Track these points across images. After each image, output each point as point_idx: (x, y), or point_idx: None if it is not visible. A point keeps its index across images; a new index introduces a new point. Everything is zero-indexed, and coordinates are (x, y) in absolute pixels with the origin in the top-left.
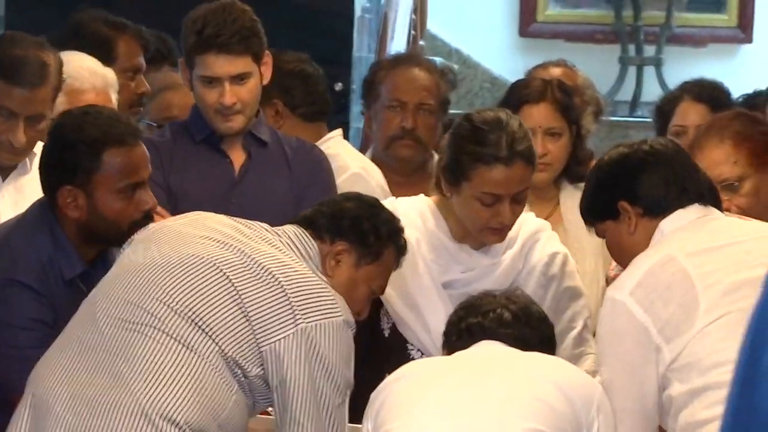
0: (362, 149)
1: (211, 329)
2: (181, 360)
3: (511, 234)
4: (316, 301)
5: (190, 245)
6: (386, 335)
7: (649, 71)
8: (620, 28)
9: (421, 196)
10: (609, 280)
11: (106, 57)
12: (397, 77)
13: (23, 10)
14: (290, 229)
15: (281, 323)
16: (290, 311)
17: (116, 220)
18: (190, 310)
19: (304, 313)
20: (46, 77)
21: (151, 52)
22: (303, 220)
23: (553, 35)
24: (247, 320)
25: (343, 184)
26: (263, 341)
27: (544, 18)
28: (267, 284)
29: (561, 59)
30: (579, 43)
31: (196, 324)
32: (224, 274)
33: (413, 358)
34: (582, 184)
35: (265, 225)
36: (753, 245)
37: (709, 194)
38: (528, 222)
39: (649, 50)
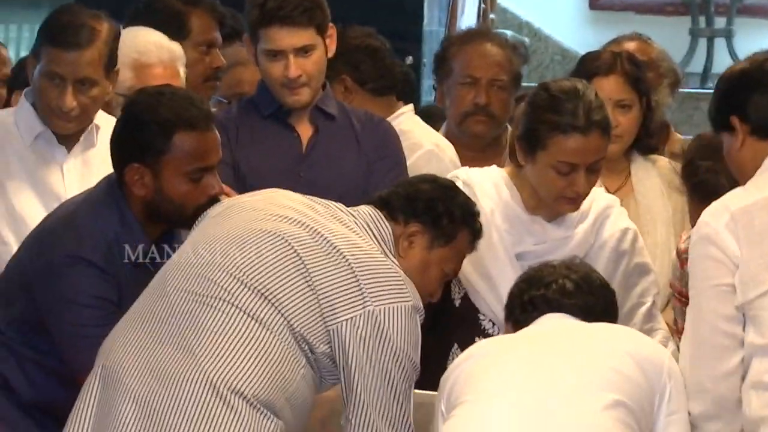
0: None
1: (280, 303)
2: (250, 333)
3: (583, 208)
4: (386, 285)
5: (261, 221)
6: (457, 304)
7: (720, 43)
8: (691, 0)
9: (495, 167)
10: (680, 252)
11: (178, 32)
12: (470, 53)
13: None
14: (365, 210)
15: (349, 303)
16: (359, 292)
17: (181, 202)
18: (259, 283)
19: (373, 296)
20: (93, 41)
21: (227, 28)
22: (378, 200)
23: (623, 7)
24: (315, 296)
25: (417, 161)
26: (330, 319)
27: None
28: (336, 263)
29: (635, 32)
30: (649, 15)
31: (265, 297)
32: (294, 249)
33: (484, 329)
34: (653, 156)
35: (340, 205)
36: None
37: None
38: (599, 197)
39: (720, 22)
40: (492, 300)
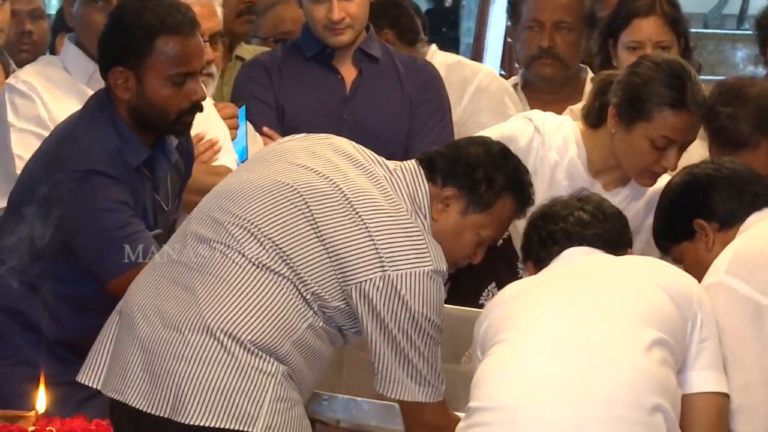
0: None
1: (288, 256)
2: (252, 279)
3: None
4: (404, 249)
5: (285, 172)
6: (498, 243)
7: None
8: None
9: (568, 119)
10: None
11: None
12: None
13: None
14: (408, 167)
15: (365, 265)
16: (376, 255)
17: (163, 106)
18: (269, 236)
19: (391, 260)
20: None
21: None
22: (424, 158)
23: None
24: (327, 252)
25: (483, 80)
26: (345, 279)
27: None
28: (350, 220)
29: None
30: None
31: (274, 250)
32: (306, 203)
33: (520, 276)
34: None
35: (382, 159)
36: None
37: None
38: (658, 181)
39: None
40: None
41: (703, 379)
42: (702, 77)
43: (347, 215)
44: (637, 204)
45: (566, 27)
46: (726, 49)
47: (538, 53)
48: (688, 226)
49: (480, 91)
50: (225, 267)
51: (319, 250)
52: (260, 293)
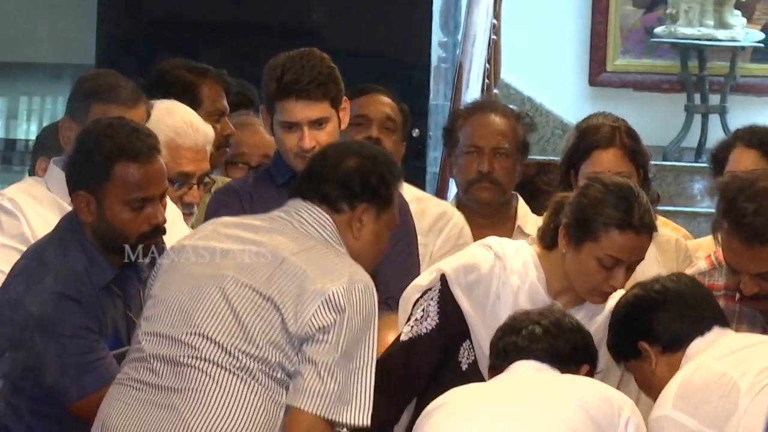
0: (438, 193)
1: (245, 345)
2: (226, 386)
3: None
4: (335, 271)
5: (206, 266)
6: (464, 368)
7: (714, 119)
8: (686, 78)
9: (524, 243)
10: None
11: (191, 102)
12: (474, 124)
13: (113, 59)
14: (303, 210)
15: (310, 298)
16: (312, 285)
17: (122, 229)
18: (216, 333)
19: (330, 281)
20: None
21: (232, 95)
22: (317, 197)
23: (622, 84)
24: (273, 305)
25: (459, 220)
26: (295, 322)
27: (613, 68)
28: (289, 272)
29: (602, 112)
30: (646, 92)
31: (234, 347)
32: (223, 281)
33: None
34: None
35: (277, 213)
36: None
37: (723, 317)
38: (614, 295)
39: (714, 99)
40: None
41: None
42: (661, 208)
43: (284, 268)
44: (597, 320)
45: (504, 153)
46: (684, 180)
47: (477, 177)
48: (633, 347)
49: (456, 228)
50: (199, 380)
51: (268, 307)
52: (238, 398)
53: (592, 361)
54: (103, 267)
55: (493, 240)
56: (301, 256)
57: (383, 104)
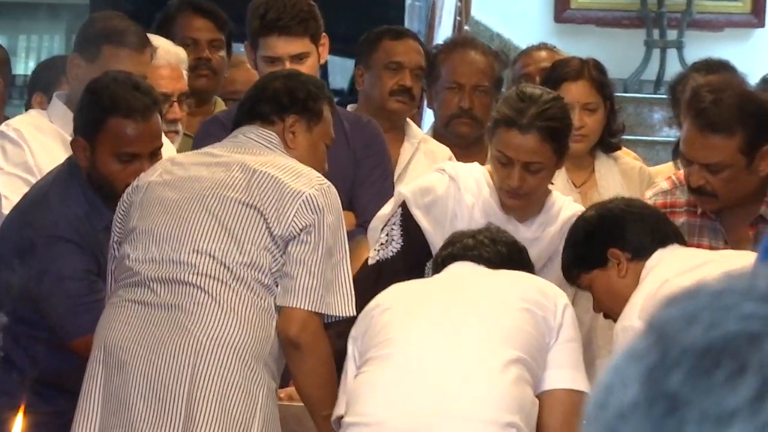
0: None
1: (245, 248)
2: (225, 302)
3: (552, 213)
4: (302, 174)
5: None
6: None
7: (672, 53)
8: (645, 14)
9: (476, 164)
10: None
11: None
12: (455, 60)
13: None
14: (248, 132)
15: (289, 201)
16: (288, 188)
17: (110, 179)
18: (218, 250)
19: (303, 184)
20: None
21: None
22: (247, 117)
23: (585, 21)
24: (258, 212)
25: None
26: (278, 225)
27: (577, 5)
28: (263, 180)
29: (543, 43)
30: (608, 27)
31: (230, 259)
32: (210, 198)
33: None
34: (615, 154)
35: (227, 141)
36: (735, 259)
37: (682, 237)
38: (568, 205)
39: (672, 34)
40: None
41: (558, 377)
42: (622, 137)
43: (243, 179)
44: (549, 230)
45: (483, 90)
46: (644, 111)
47: (458, 113)
48: (601, 255)
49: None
50: (198, 297)
51: (255, 215)
52: (234, 312)
53: (526, 269)
54: (101, 210)
55: (447, 164)
56: (268, 166)
57: (417, 53)
